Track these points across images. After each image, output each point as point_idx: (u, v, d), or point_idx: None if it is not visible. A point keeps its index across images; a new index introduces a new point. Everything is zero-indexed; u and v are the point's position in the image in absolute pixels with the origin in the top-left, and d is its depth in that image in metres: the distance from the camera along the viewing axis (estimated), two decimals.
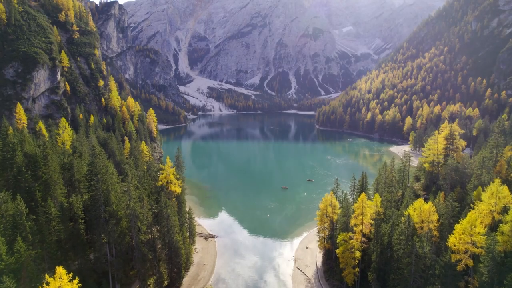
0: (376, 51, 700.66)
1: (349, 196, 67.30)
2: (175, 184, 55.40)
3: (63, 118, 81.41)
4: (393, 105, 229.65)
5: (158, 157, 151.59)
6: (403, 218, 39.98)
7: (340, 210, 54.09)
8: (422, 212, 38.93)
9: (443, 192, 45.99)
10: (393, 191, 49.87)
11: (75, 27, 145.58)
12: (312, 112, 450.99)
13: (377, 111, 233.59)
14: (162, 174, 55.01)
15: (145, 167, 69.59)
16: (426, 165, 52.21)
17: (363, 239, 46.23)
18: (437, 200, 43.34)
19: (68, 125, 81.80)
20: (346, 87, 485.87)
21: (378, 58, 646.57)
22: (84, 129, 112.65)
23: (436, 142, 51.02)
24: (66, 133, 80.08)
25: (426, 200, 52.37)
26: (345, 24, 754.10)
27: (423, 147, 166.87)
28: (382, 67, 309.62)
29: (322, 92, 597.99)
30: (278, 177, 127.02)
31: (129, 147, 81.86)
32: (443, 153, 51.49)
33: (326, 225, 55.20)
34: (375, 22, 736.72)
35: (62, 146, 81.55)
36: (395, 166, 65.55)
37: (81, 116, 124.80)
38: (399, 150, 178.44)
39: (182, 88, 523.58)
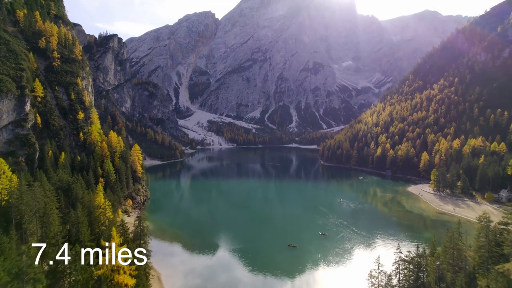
0: (377, 85, 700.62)
1: (393, 278, 45.98)
2: (125, 271, 34.32)
3: (1, 159, 61.77)
4: (404, 139, 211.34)
5: (143, 201, 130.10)
6: None
7: None
8: None
9: None
10: None
11: (56, 54, 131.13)
12: (314, 146, 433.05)
13: (387, 145, 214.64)
14: (104, 256, 33.98)
15: (98, 229, 48.59)
16: None
17: None
18: None
19: (9, 168, 62.23)
20: (348, 120, 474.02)
21: (379, 91, 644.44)
22: (46, 169, 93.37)
23: None
24: (3, 179, 60.25)
25: None
26: (345, 59, 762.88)
27: (448, 188, 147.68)
28: (387, 99, 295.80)
29: (324, 126, 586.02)
30: (283, 228, 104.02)
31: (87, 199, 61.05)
32: None
33: None
34: (375, 57, 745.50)
35: None
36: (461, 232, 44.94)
37: (50, 153, 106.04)
38: (419, 190, 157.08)
39: (182, 122, 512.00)
